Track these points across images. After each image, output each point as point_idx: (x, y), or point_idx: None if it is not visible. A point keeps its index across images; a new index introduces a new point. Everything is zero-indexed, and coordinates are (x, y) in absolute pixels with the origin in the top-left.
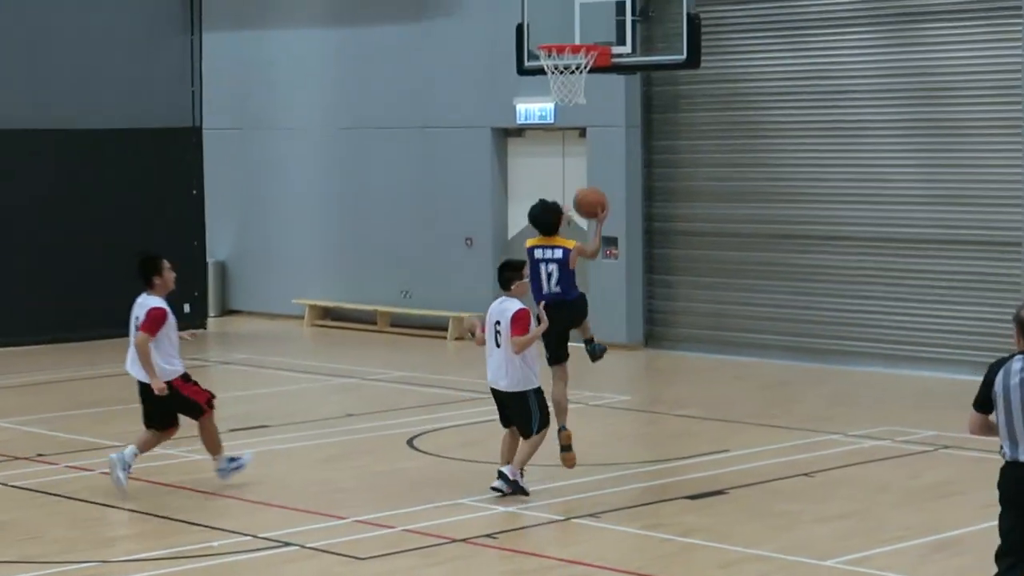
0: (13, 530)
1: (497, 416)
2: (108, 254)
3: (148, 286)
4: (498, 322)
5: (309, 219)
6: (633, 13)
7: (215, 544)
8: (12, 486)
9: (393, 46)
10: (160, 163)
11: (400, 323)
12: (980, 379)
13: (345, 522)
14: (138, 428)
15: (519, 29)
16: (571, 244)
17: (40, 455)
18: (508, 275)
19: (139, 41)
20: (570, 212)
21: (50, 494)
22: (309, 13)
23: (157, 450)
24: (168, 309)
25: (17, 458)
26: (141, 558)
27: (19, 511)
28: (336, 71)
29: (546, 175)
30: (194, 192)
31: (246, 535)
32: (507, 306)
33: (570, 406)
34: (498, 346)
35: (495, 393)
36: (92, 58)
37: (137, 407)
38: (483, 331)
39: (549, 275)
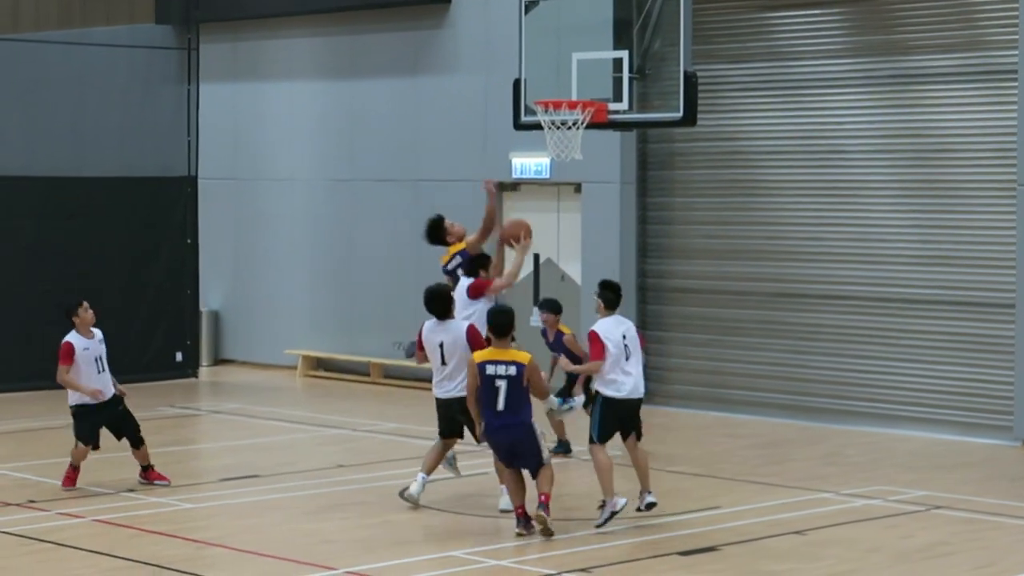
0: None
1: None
2: (102, 302)
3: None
4: (624, 336)
5: (303, 269)
6: (630, 70)
7: None
8: (3, 532)
9: (388, 99)
10: (155, 212)
11: (393, 375)
12: (973, 440)
13: (335, 573)
14: (126, 476)
15: (516, 84)
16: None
17: (31, 502)
18: (615, 296)
19: (136, 90)
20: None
21: (41, 541)
22: (304, 65)
23: (149, 498)
24: None
25: (8, 504)
26: None
27: (10, 558)
28: (330, 123)
29: (541, 230)
30: (188, 241)
31: None
32: (628, 324)
33: (563, 461)
34: (628, 359)
35: (631, 405)
36: (89, 106)
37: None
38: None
39: None
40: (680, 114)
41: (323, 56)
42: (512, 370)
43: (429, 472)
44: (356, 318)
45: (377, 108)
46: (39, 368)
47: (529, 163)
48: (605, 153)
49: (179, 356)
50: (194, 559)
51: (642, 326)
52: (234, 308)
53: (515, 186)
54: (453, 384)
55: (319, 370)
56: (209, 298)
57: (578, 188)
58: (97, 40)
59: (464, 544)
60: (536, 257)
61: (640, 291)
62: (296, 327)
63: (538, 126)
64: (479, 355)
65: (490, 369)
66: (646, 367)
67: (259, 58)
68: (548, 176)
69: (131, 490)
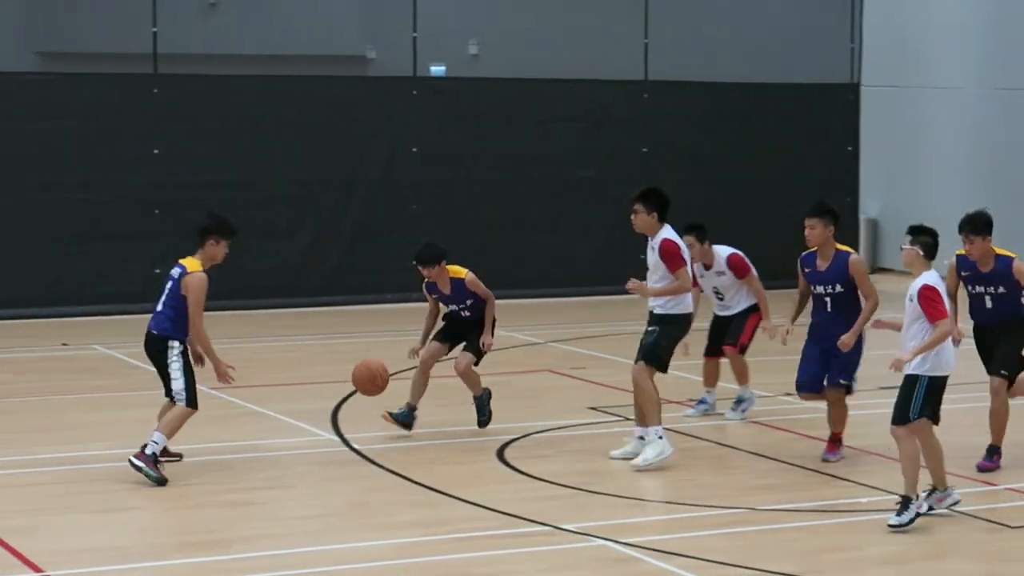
0: (673, 472)
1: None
2: (760, 208)
3: None
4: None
5: (960, 179)
6: None
7: (863, 500)
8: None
9: None
10: (816, 119)
11: None
12: None
13: (995, 489)
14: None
15: None
16: None
17: (691, 400)
18: (935, 243)
19: None
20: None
21: (696, 438)
22: None
23: (806, 403)
24: None
25: (670, 402)
26: (787, 508)
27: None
28: (994, 31)
29: None
30: (849, 149)
31: (894, 494)
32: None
33: None
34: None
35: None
36: (754, 12)
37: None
38: None
39: None
40: None
41: None
42: None
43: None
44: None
45: None
46: None
47: None
48: None
49: None
50: (850, 465)
51: None
52: (892, 216)
53: None
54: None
55: None
56: (867, 206)
57: None
58: None
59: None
60: None
61: None
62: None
63: None
64: None
65: None
66: None
67: None
68: None
69: (788, 394)
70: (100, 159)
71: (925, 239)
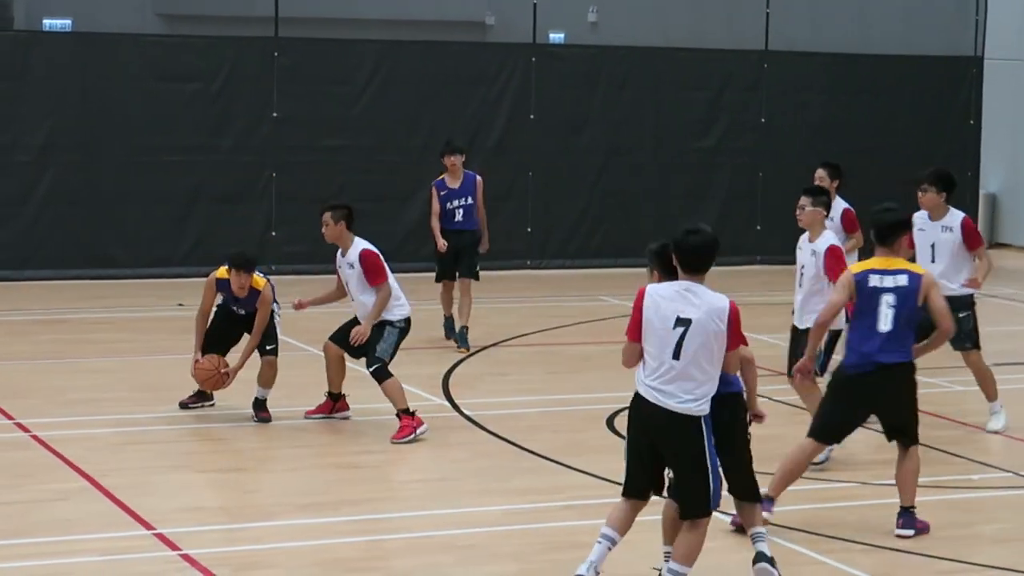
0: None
1: None
2: (883, 180)
3: None
4: None
5: None
6: None
7: (974, 478)
8: (773, 399)
9: None
10: (939, 92)
11: None
12: None
13: None
14: None
15: None
16: None
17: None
18: None
19: None
20: None
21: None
22: None
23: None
24: None
25: (778, 373)
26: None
27: (786, 427)
28: None
29: None
30: (971, 122)
31: (1007, 472)
32: None
33: None
34: None
35: None
36: None
37: None
38: None
39: None
40: None
41: None
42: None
43: None
44: None
45: None
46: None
47: None
48: None
49: None
50: (966, 443)
51: None
52: (1012, 192)
53: None
54: None
55: None
56: (987, 181)
57: None
58: None
59: None
60: None
61: None
62: None
63: None
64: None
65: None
66: None
67: None
68: None
69: None
70: (219, 122)
71: None
